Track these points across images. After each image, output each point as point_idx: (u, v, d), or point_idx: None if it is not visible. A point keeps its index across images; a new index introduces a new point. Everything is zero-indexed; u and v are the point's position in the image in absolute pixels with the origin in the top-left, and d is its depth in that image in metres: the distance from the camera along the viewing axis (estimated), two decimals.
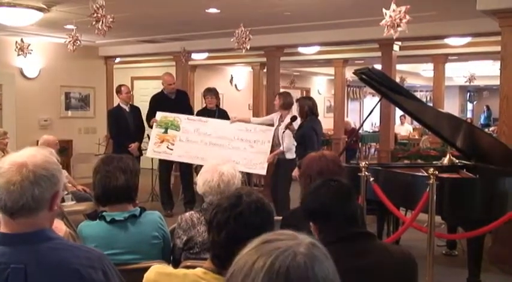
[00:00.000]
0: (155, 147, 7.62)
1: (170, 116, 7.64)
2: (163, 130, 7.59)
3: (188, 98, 8.42)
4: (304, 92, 17.38)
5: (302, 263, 1.05)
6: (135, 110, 8.22)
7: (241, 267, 1.08)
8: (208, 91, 7.98)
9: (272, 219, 2.01)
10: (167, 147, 7.55)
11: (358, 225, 2.22)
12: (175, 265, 2.74)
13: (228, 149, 7.27)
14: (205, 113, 7.86)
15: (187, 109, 7.95)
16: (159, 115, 7.67)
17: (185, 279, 1.93)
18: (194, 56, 10.77)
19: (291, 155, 6.79)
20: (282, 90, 8.48)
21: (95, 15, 5.34)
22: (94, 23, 5.38)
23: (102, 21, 5.35)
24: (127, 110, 8.06)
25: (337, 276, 1.11)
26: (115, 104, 8.69)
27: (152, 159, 8.67)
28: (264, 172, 7.36)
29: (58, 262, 1.76)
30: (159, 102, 7.91)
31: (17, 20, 6.85)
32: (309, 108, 6.59)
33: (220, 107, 8.28)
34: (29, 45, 8.16)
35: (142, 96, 12.21)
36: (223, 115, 7.85)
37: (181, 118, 7.63)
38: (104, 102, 11.06)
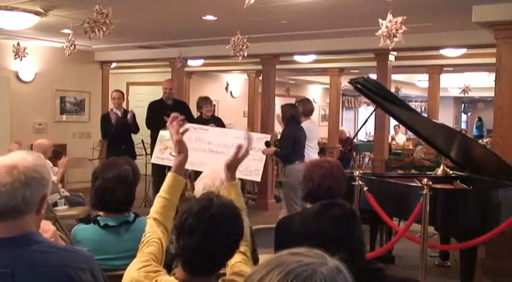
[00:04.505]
0: (159, 154, 7.78)
1: None
2: (167, 138, 7.74)
3: (188, 108, 8.46)
4: None
5: None
6: (131, 116, 8.25)
7: (259, 272, 1.07)
8: (205, 100, 8.07)
9: (242, 223, 1.96)
10: (170, 154, 7.70)
11: (363, 258, 2.02)
12: (168, 271, 2.73)
13: (226, 155, 7.34)
14: (200, 121, 7.91)
15: (187, 119, 8.00)
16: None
17: None
18: (190, 62, 10.77)
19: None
20: (276, 98, 8.51)
21: (102, 20, 5.36)
22: (105, 30, 5.39)
23: (99, 29, 5.36)
24: (119, 114, 8.10)
25: None
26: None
27: (146, 165, 8.69)
28: (258, 179, 7.41)
29: (46, 265, 1.75)
30: (156, 108, 8.01)
31: (14, 23, 6.85)
32: (290, 116, 6.81)
33: (215, 114, 8.33)
34: (25, 48, 8.16)
35: (138, 102, 12.22)
36: (218, 122, 7.92)
37: (185, 126, 7.71)
38: (99, 107, 11.05)
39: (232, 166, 2.53)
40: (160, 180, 8.62)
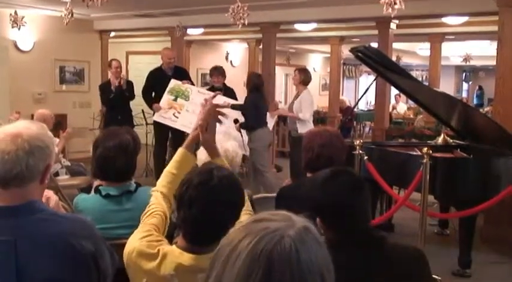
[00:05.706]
0: (163, 113, 7.65)
1: (183, 85, 7.67)
2: (173, 97, 7.63)
3: (188, 74, 8.34)
4: None
5: (287, 246, 1.00)
6: (127, 85, 8.17)
7: (228, 243, 1.07)
8: (214, 70, 8.00)
9: (243, 194, 1.97)
10: (173, 114, 7.59)
11: (367, 226, 2.05)
12: (169, 241, 2.75)
13: (229, 128, 7.33)
14: (212, 90, 7.80)
15: None
16: (173, 82, 7.68)
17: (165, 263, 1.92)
18: (190, 31, 10.68)
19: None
20: (277, 67, 8.46)
21: None
22: None
23: None
24: (117, 84, 8.03)
25: (328, 264, 1.06)
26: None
27: (146, 134, 8.67)
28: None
29: (49, 233, 1.76)
30: (156, 77, 7.89)
31: None
32: (253, 85, 7.08)
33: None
34: (23, 17, 8.07)
35: (137, 71, 12.15)
36: (229, 93, 7.79)
37: (193, 89, 7.71)
38: (98, 76, 10.99)
39: (205, 139, 2.46)
40: (160, 149, 8.44)
